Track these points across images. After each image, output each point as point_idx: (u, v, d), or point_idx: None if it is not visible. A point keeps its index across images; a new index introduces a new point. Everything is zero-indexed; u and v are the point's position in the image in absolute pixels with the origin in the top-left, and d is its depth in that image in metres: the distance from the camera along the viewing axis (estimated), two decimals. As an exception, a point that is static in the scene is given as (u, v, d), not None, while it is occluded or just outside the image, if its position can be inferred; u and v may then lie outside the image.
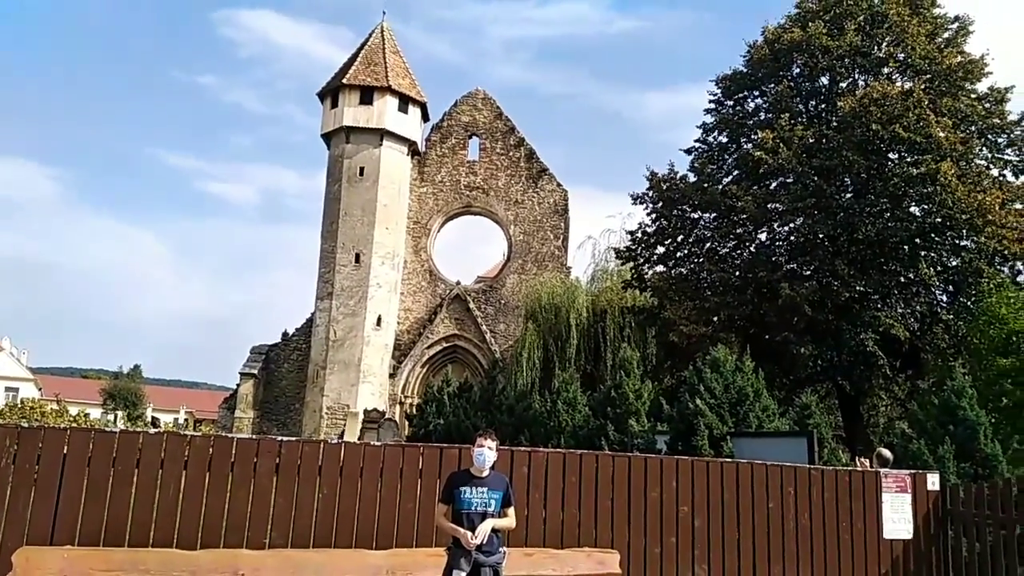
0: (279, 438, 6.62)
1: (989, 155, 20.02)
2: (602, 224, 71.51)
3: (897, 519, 7.96)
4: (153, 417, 62.57)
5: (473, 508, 5.56)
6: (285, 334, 33.31)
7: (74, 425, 14.53)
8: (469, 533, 5.44)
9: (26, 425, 6.22)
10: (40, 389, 61.40)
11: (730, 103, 22.41)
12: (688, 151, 22.85)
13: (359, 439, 24.95)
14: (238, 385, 31.80)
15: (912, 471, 8.47)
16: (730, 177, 21.58)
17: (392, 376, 31.52)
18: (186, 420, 55.81)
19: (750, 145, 20.73)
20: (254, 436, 8.78)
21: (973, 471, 11.02)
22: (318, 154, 53.17)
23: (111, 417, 51.60)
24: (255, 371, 31.65)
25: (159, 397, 76.42)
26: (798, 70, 21.18)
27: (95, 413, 45.75)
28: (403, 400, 31.19)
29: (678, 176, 22.08)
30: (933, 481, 8.23)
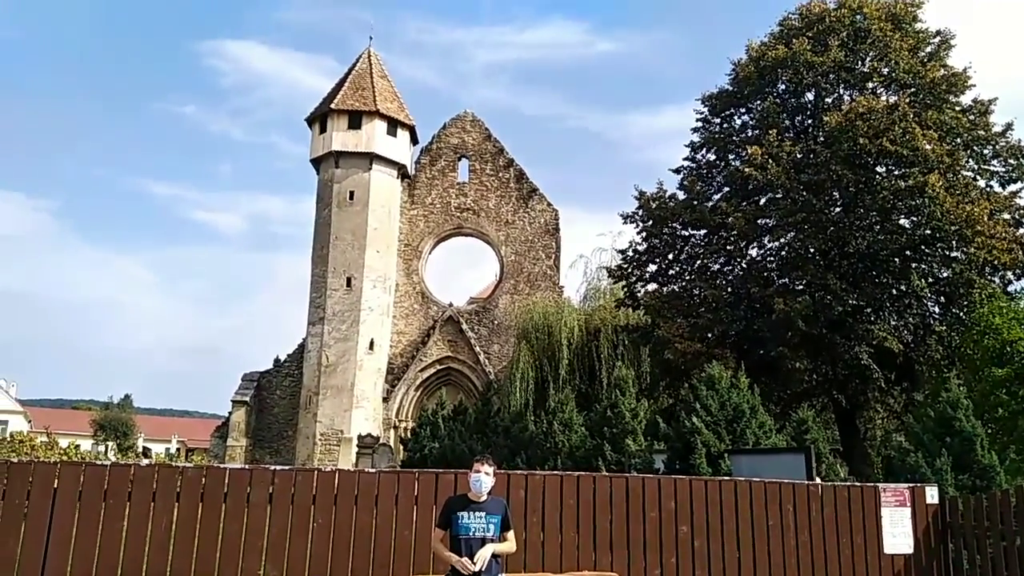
0: (272, 467, 6.54)
1: (975, 166, 20.13)
2: (590, 243, 72.14)
3: (897, 533, 7.92)
4: (144, 447, 62.00)
5: (472, 533, 5.49)
6: (277, 360, 33.14)
7: (64, 457, 14.37)
8: (466, 560, 5.37)
9: (15, 460, 6.13)
10: (30, 421, 60.72)
11: (717, 121, 22.53)
12: (677, 170, 22.91)
13: (354, 465, 24.76)
14: (230, 413, 31.57)
15: (911, 485, 8.43)
16: (719, 194, 21.63)
17: (386, 400, 31.35)
18: (178, 449, 55.28)
19: (738, 162, 20.80)
20: (247, 466, 8.68)
21: (971, 483, 11.01)
22: (306, 181, 53.27)
23: (102, 448, 51.06)
24: (247, 398, 31.42)
25: (150, 427, 75.64)
26: (783, 86, 21.32)
27: (86, 444, 45.22)
28: (397, 424, 31.01)
29: (667, 195, 22.14)
30: (932, 494, 8.20)
